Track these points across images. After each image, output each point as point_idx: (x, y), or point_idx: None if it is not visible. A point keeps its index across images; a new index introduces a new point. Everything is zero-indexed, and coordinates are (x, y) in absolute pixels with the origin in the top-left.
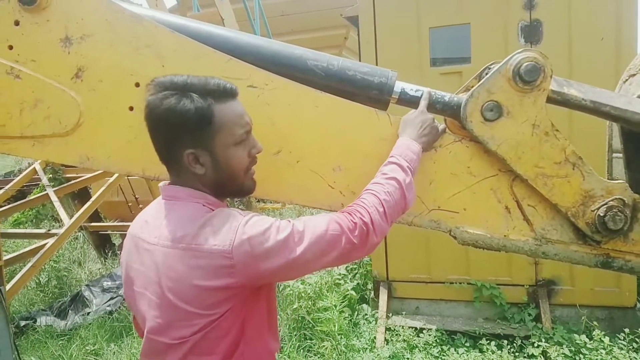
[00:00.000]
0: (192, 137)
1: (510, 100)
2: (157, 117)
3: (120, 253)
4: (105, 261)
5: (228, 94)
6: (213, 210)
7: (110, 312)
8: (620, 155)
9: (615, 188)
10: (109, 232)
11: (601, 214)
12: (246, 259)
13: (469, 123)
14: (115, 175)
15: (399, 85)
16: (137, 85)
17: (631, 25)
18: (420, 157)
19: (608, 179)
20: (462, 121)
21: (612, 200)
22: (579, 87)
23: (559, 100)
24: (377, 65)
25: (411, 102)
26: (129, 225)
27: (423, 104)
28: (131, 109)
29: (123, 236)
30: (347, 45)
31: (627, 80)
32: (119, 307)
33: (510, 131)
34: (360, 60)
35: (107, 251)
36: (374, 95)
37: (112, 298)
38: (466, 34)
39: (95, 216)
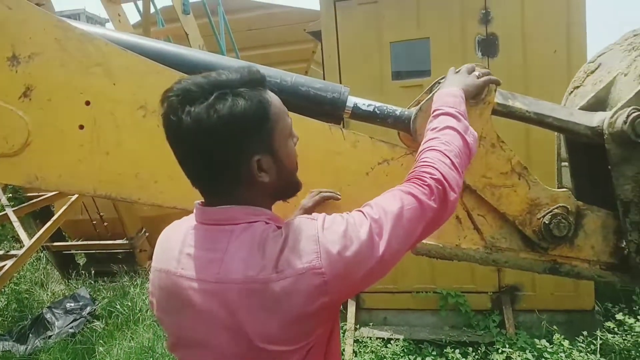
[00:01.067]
0: (255, 142)
1: None
2: (211, 131)
3: (150, 294)
4: (68, 282)
5: (264, 81)
6: (278, 227)
7: (73, 335)
8: (567, 163)
9: (559, 196)
10: (72, 251)
11: (546, 222)
12: (338, 271)
13: (419, 136)
14: None
15: (352, 100)
16: (87, 103)
17: (581, 38)
18: (464, 97)
19: (558, 187)
20: (412, 134)
21: (556, 208)
22: (523, 99)
23: (504, 112)
24: (340, 79)
25: (364, 116)
26: (94, 244)
27: (451, 71)
28: (81, 127)
29: (88, 255)
30: (315, 59)
31: (572, 92)
32: (83, 329)
33: None
34: (323, 75)
35: (70, 271)
36: (328, 110)
37: (75, 320)
38: (426, 48)
39: (58, 235)
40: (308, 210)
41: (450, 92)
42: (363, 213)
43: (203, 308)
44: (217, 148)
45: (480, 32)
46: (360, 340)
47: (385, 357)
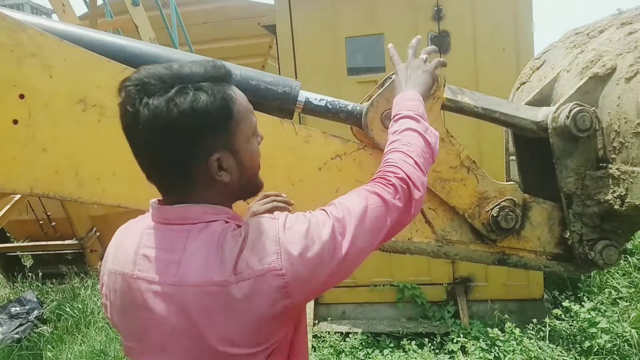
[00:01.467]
0: (216, 140)
1: None
2: (170, 125)
3: (103, 297)
4: (13, 285)
5: (229, 77)
6: (239, 225)
7: (19, 340)
8: (515, 158)
9: (506, 189)
10: (18, 253)
11: (494, 214)
12: (300, 273)
13: (370, 131)
14: None
15: (303, 95)
16: (22, 97)
17: (528, 37)
18: (423, 100)
19: (506, 180)
20: (364, 129)
21: (504, 201)
22: (472, 95)
23: (453, 107)
24: (296, 74)
25: (316, 111)
26: (41, 245)
27: (395, 59)
28: (15, 122)
29: (34, 257)
30: (272, 54)
31: (519, 87)
32: (29, 334)
33: None
34: (279, 70)
35: (16, 274)
36: (279, 104)
37: (21, 324)
38: (380, 44)
39: (1, 236)
40: (257, 215)
41: (408, 96)
42: (326, 212)
43: (161, 312)
44: (175, 144)
45: (433, 29)
46: (318, 335)
47: (343, 351)
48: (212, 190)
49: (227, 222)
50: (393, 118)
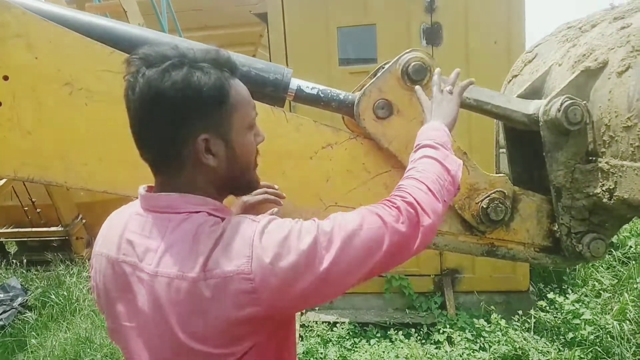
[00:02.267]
0: (206, 120)
1: (400, 99)
2: (160, 95)
3: (92, 279)
4: None
5: (234, 69)
6: (222, 219)
7: (2, 327)
8: (505, 150)
9: (497, 181)
10: (2, 239)
11: (484, 206)
12: (270, 281)
13: (362, 121)
14: None
15: (295, 82)
16: (6, 78)
17: (520, 30)
18: (448, 130)
19: (496, 172)
20: (355, 119)
21: (494, 193)
22: None
23: None
24: (287, 63)
25: (307, 99)
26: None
27: (422, 99)
28: None
29: (19, 243)
30: (263, 43)
31: (510, 80)
32: (13, 321)
33: (401, 128)
34: (270, 59)
35: (0, 260)
36: (270, 92)
37: (4, 311)
38: (372, 35)
39: None
40: (247, 207)
41: (430, 126)
42: (315, 223)
43: (141, 298)
44: (164, 116)
45: (425, 21)
46: (306, 324)
47: (330, 340)
48: (199, 174)
49: (210, 215)
50: (414, 148)
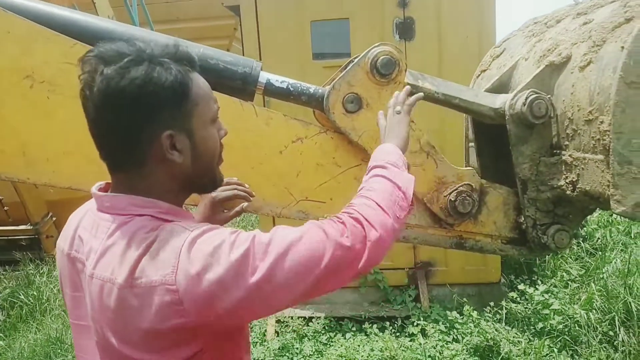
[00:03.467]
0: (169, 116)
1: (369, 92)
2: (121, 93)
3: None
4: None
5: (194, 63)
6: (167, 221)
7: None
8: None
9: (464, 174)
10: None
11: (452, 199)
12: (196, 293)
13: (332, 114)
14: None
15: (264, 76)
16: None
17: (491, 26)
18: (400, 151)
19: (465, 166)
20: (325, 113)
21: (461, 186)
22: (433, 80)
23: (414, 93)
24: (260, 57)
25: (277, 93)
26: None
27: (380, 123)
28: None
29: None
30: (237, 37)
31: (479, 75)
32: None
33: (370, 122)
34: (243, 53)
35: None
36: (238, 85)
37: None
38: (346, 29)
39: None
40: (216, 203)
41: (381, 148)
42: (253, 234)
43: (87, 295)
44: (125, 114)
45: (398, 15)
46: (282, 320)
47: (306, 335)
48: (161, 172)
49: (154, 218)
50: (366, 173)
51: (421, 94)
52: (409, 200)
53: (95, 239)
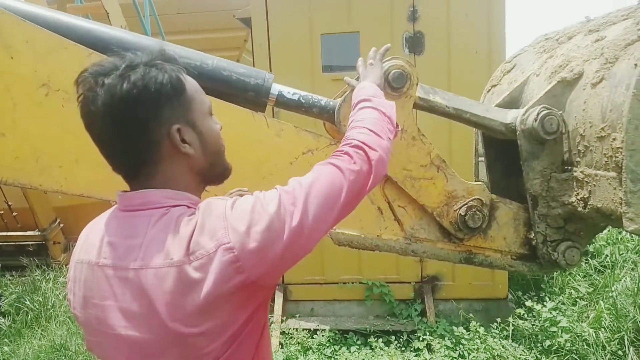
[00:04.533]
0: (172, 111)
1: None
2: (125, 97)
3: (69, 291)
4: None
5: (177, 62)
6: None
7: None
8: (483, 159)
9: (475, 189)
10: None
11: (462, 213)
12: (250, 246)
13: (343, 127)
14: None
15: (276, 88)
16: None
17: (501, 41)
18: (376, 86)
19: (475, 181)
20: (336, 125)
21: (472, 201)
22: (444, 94)
23: (425, 106)
24: (270, 68)
25: (288, 104)
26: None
27: (360, 70)
28: None
29: None
30: (248, 48)
31: (489, 90)
32: None
33: None
34: (253, 64)
35: None
36: (250, 97)
37: None
38: (356, 42)
39: None
40: None
41: (360, 86)
42: (277, 189)
43: (124, 297)
44: (133, 118)
45: (408, 29)
46: (286, 332)
47: (310, 347)
48: (176, 168)
49: (189, 208)
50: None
51: (389, 44)
52: (394, 123)
53: (134, 238)
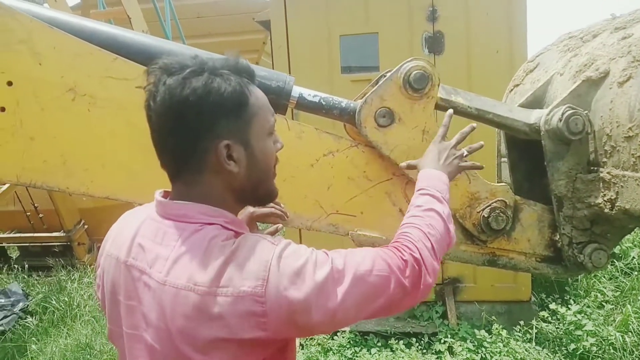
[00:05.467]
0: (227, 126)
1: (401, 107)
2: (182, 102)
3: (98, 278)
4: None
5: (253, 76)
6: (235, 234)
7: (3, 332)
8: (507, 159)
9: (498, 190)
10: (4, 244)
11: (485, 215)
12: (281, 308)
13: (364, 129)
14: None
15: (297, 90)
16: (10, 84)
17: (522, 40)
18: (447, 183)
19: (497, 182)
20: (357, 127)
21: (495, 202)
22: (465, 95)
23: (446, 107)
24: (289, 70)
25: (309, 106)
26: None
27: (441, 131)
28: (2, 109)
29: (21, 248)
30: (266, 50)
31: (512, 90)
32: (14, 326)
33: (402, 137)
34: (272, 66)
35: (1, 265)
36: (272, 99)
37: (5, 316)
38: (375, 43)
39: None
40: (254, 218)
41: (438, 175)
42: (327, 255)
43: (147, 303)
44: (186, 123)
45: (428, 29)
46: None
47: (331, 349)
48: (219, 182)
49: (224, 227)
50: (418, 190)
51: (451, 111)
52: (450, 247)
53: (163, 247)
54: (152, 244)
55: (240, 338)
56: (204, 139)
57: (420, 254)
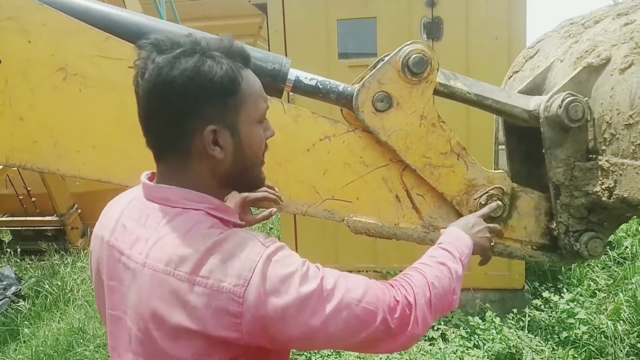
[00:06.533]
0: (215, 110)
1: (399, 91)
2: (169, 82)
3: (90, 255)
4: None
5: (247, 60)
6: (221, 221)
7: None
8: (504, 147)
9: (495, 177)
10: None
11: (482, 202)
12: (257, 313)
13: (361, 113)
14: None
15: (293, 73)
16: None
17: (521, 27)
18: (470, 256)
19: (494, 169)
20: (354, 111)
21: (492, 189)
22: (465, 80)
23: (445, 92)
24: (286, 54)
25: (306, 90)
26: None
27: (484, 211)
28: None
29: (13, 232)
30: (262, 35)
31: (511, 76)
32: (6, 310)
33: (400, 122)
34: (269, 50)
35: None
36: (267, 82)
37: None
38: (372, 28)
39: None
40: (246, 203)
41: (464, 239)
42: (319, 271)
43: (126, 284)
44: (172, 104)
45: (426, 15)
46: None
47: None
48: (203, 166)
49: (208, 214)
50: (439, 243)
51: (494, 204)
52: (453, 309)
53: (145, 228)
54: (135, 225)
55: (210, 334)
56: (189, 122)
57: (415, 299)
